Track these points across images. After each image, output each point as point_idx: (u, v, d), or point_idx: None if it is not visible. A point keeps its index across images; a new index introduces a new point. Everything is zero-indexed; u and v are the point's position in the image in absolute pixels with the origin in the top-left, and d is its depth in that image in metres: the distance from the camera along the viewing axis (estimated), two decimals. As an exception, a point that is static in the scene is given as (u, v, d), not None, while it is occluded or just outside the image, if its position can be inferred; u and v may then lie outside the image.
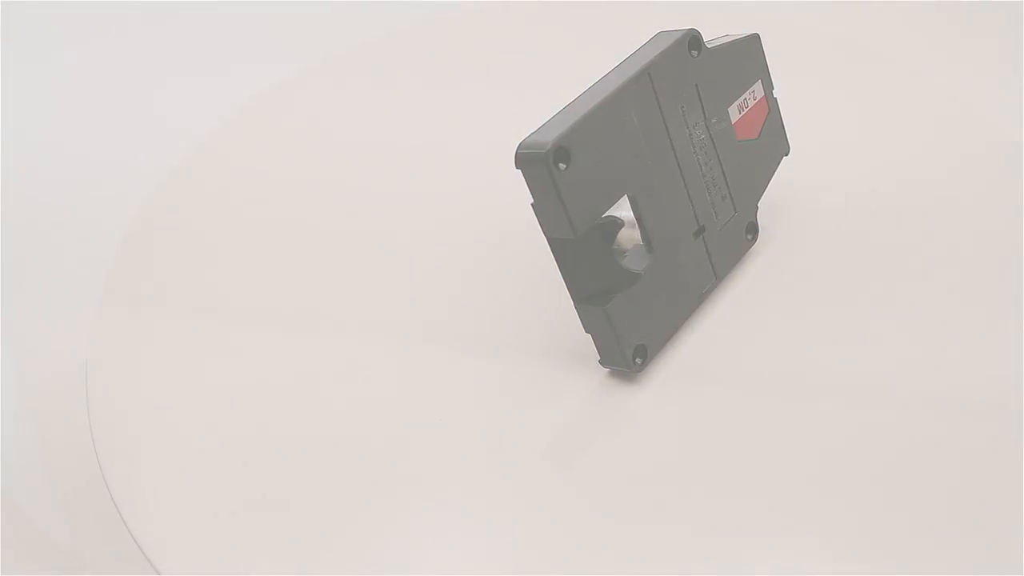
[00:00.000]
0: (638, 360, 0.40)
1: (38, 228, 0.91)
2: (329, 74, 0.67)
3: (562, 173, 0.36)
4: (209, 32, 1.22)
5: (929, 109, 0.57)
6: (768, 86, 0.44)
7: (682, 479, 0.37)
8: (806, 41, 0.65)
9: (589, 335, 0.40)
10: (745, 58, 0.43)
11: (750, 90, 0.43)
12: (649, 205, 0.39)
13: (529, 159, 0.35)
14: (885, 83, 0.60)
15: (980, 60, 0.81)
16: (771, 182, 0.45)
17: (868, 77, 0.61)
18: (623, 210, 0.40)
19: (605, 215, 0.38)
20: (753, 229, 0.45)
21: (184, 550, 0.36)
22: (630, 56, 0.40)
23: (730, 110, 0.42)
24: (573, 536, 0.36)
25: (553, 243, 0.38)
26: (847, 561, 0.35)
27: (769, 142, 0.45)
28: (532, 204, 0.37)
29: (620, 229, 0.38)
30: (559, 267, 0.38)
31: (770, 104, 0.45)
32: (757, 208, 0.45)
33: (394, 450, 0.39)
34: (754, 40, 0.43)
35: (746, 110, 0.43)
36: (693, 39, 0.40)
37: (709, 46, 0.42)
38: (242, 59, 1.14)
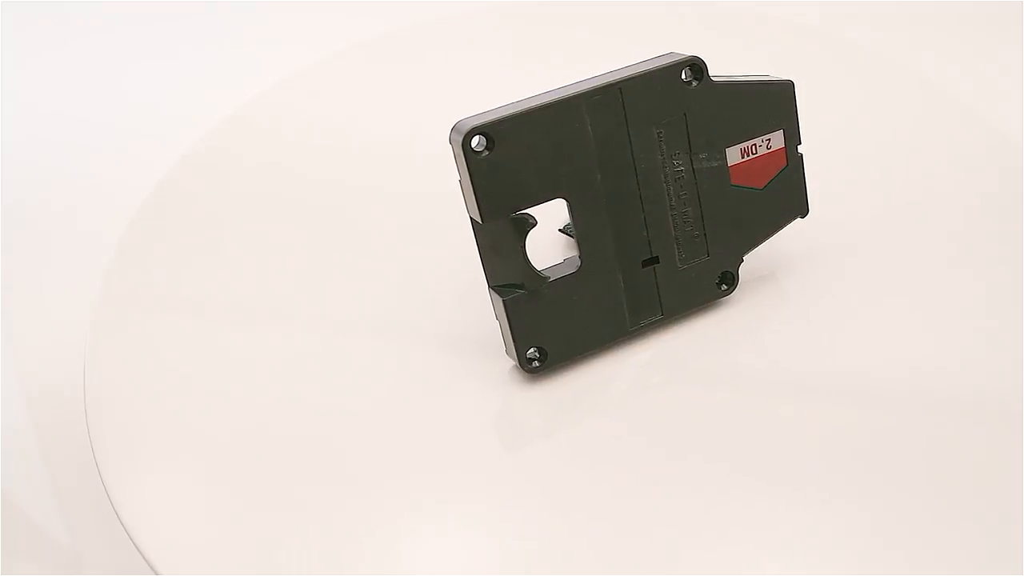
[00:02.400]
0: (535, 363, 0.40)
1: (38, 225, 0.91)
2: (328, 72, 0.66)
3: (479, 159, 0.36)
4: (209, 30, 1.19)
5: (928, 111, 0.57)
6: (793, 139, 0.41)
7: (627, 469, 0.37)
8: (807, 41, 0.65)
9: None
10: (768, 103, 0.40)
11: (764, 137, 0.41)
12: (587, 218, 0.39)
13: (454, 139, 0.36)
14: (883, 83, 0.60)
15: (981, 61, 0.82)
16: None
17: (865, 76, 0.61)
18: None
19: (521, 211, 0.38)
20: (730, 279, 0.42)
21: (182, 550, 0.36)
22: (620, 68, 0.39)
23: (730, 151, 0.40)
24: (531, 528, 0.36)
25: (473, 224, 0.38)
26: (845, 561, 0.34)
27: (778, 197, 0.42)
28: (459, 180, 0.38)
29: (532, 228, 0.38)
30: (477, 248, 0.39)
31: (790, 158, 0.42)
32: (742, 260, 0.42)
33: (387, 450, 0.39)
34: (786, 88, 0.41)
35: (752, 156, 0.41)
36: (693, 67, 0.38)
37: (728, 79, 0.40)
38: (237, 59, 1.12)
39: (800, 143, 0.42)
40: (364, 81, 0.65)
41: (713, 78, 0.39)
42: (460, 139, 0.36)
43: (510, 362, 0.41)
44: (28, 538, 0.65)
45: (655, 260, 0.41)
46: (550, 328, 0.40)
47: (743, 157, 0.41)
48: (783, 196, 0.42)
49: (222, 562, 0.35)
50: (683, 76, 0.38)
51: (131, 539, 0.36)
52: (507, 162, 0.37)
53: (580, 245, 0.39)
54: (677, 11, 0.67)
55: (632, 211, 0.40)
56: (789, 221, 0.43)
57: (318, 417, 0.40)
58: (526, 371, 0.40)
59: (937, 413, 0.39)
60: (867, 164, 0.53)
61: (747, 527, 0.35)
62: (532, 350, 0.40)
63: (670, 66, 0.38)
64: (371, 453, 0.39)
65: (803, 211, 0.43)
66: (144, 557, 0.35)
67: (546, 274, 0.39)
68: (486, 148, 0.36)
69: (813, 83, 0.47)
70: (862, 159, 0.53)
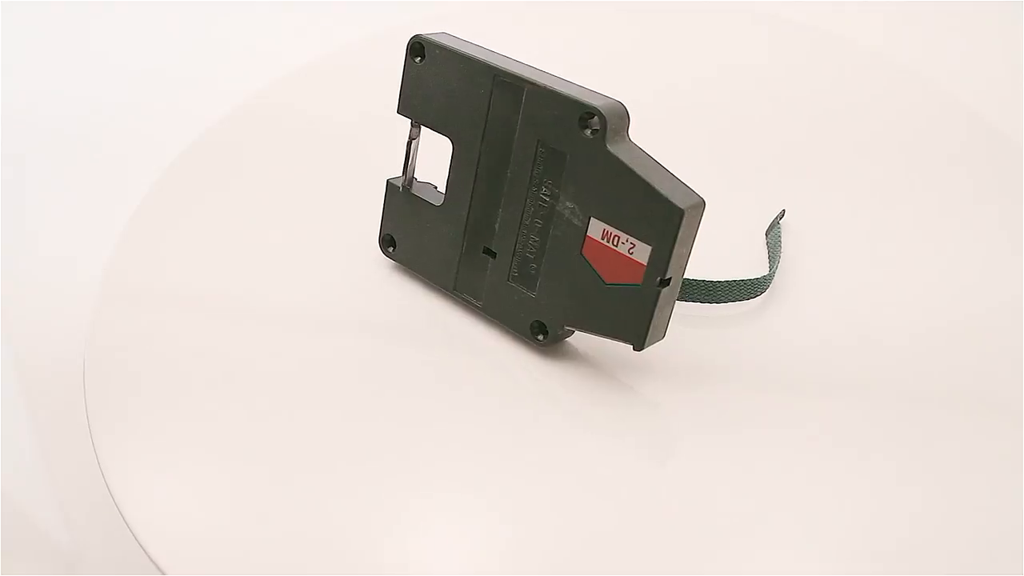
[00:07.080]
0: (390, 249, 0.45)
1: (37, 221, 0.87)
2: (326, 71, 0.64)
3: (413, 63, 0.41)
4: (208, 29, 1.12)
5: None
6: (656, 267, 0.36)
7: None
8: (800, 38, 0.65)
9: None
10: (647, 212, 0.36)
11: (630, 238, 0.36)
12: (459, 172, 0.41)
13: None
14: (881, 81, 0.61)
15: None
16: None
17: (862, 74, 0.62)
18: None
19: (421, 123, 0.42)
20: (545, 333, 0.40)
21: (185, 549, 0.35)
22: (565, 77, 0.38)
23: (594, 221, 0.37)
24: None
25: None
26: (844, 561, 0.34)
27: (617, 306, 0.38)
28: None
29: (413, 140, 0.42)
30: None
31: (645, 283, 0.36)
32: (566, 328, 0.40)
33: (392, 449, 0.39)
34: (671, 211, 0.35)
35: (610, 245, 0.37)
36: (596, 117, 0.36)
37: (633, 158, 0.36)
38: (234, 59, 1.05)
39: (666, 280, 0.36)
40: (364, 78, 0.63)
41: (615, 145, 0.36)
42: (408, 41, 0.41)
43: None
44: (28, 538, 0.63)
45: (492, 254, 0.41)
46: (404, 231, 0.44)
47: (602, 239, 0.37)
48: (622, 309, 0.37)
49: (226, 561, 0.35)
50: (580, 119, 0.36)
51: (135, 538, 0.35)
52: (427, 79, 0.41)
53: (446, 189, 0.42)
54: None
55: (493, 197, 0.41)
56: (618, 338, 0.38)
57: (322, 415, 0.40)
58: (384, 254, 0.46)
59: (932, 409, 0.40)
60: (863, 161, 0.54)
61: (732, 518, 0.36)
62: (390, 236, 0.45)
63: (570, 100, 0.36)
64: (374, 452, 0.39)
65: (637, 342, 0.38)
66: (149, 556, 0.35)
67: (407, 184, 0.43)
68: (418, 55, 0.41)
69: (811, 80, 0.51)
70: (857, 155, 0.55)
